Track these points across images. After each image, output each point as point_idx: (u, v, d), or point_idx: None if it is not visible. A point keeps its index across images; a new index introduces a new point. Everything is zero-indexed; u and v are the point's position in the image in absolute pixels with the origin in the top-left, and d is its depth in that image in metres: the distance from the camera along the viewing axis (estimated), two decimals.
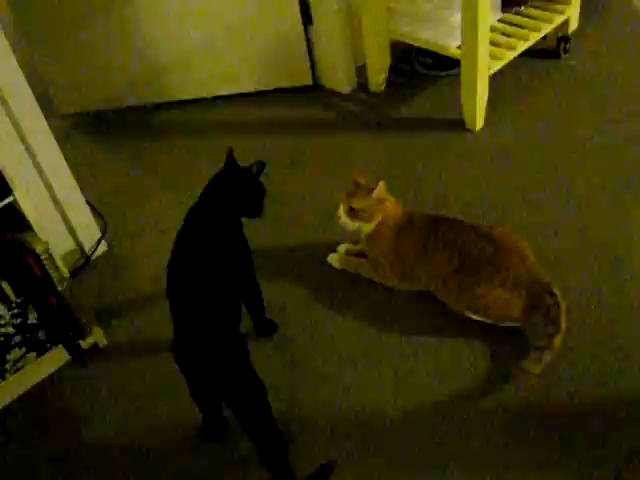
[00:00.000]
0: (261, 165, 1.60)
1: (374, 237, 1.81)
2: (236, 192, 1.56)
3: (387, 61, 2.56)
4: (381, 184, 1.75)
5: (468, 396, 1.58)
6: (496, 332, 1.68)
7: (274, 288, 1.89)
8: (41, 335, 1.73)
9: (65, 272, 1.67)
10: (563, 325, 1.56)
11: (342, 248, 1.97)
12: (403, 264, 1.79)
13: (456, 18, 2.23)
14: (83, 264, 2.08)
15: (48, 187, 1.92)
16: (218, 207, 1.54)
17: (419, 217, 1.79)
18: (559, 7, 2.47)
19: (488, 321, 1.69)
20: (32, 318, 1.69)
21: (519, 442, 1.48)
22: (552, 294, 1.61)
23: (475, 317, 1.70)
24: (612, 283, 1.75)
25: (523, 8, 2.48)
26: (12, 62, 1.75)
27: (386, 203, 1.77)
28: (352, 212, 1.77)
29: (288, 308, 1.85)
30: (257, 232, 2.13)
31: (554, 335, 1.55)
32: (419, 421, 1.55)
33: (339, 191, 1.80)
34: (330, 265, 1.94)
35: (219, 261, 1.46)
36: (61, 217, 1.98)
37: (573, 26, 2.55)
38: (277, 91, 2.65)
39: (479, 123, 2.33)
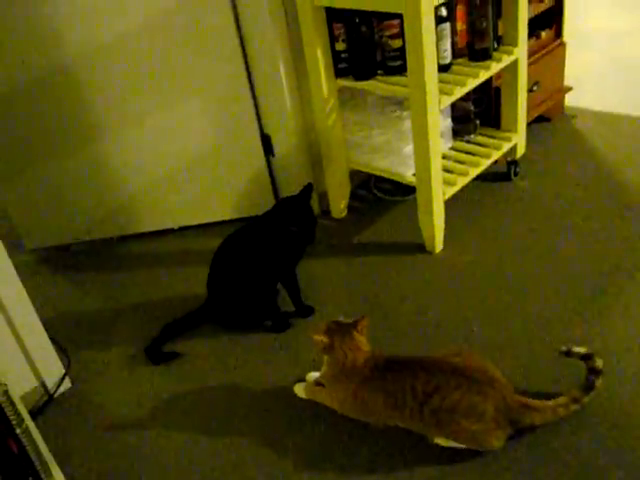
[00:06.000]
0: (309, 187, 2.14)
1: (328, 381, 1.80)
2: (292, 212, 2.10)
3: (348, 188, 2.66)
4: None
5: None
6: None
7: (243, 425, 1.87)
8: None
9: (25, 414, 1.63)
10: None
11: (310, 377, 1.94)
12: (367, 414, 1.75)
13: (409, 148, 2.35)
14: (46, 402, 2.03)
15: (10, 325, 1.90)
16: (275, 221, 2.12)
17: (381, 370, 1.70)
18: (507, 135, 2.63)
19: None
20: None
21: None
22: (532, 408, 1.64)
23: (449, 444, 1.67)
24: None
25: (473, 136, 2.64)
26: None
27: (342, 352, 1.72)
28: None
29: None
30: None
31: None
32: None
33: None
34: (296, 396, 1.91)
35: (260, 253, 2.12)
36: (23, 355, 1.95)
37: (521, 151, 2.70)
38: (242, 220, 2.71)
39: (438, 245, 2.40)
